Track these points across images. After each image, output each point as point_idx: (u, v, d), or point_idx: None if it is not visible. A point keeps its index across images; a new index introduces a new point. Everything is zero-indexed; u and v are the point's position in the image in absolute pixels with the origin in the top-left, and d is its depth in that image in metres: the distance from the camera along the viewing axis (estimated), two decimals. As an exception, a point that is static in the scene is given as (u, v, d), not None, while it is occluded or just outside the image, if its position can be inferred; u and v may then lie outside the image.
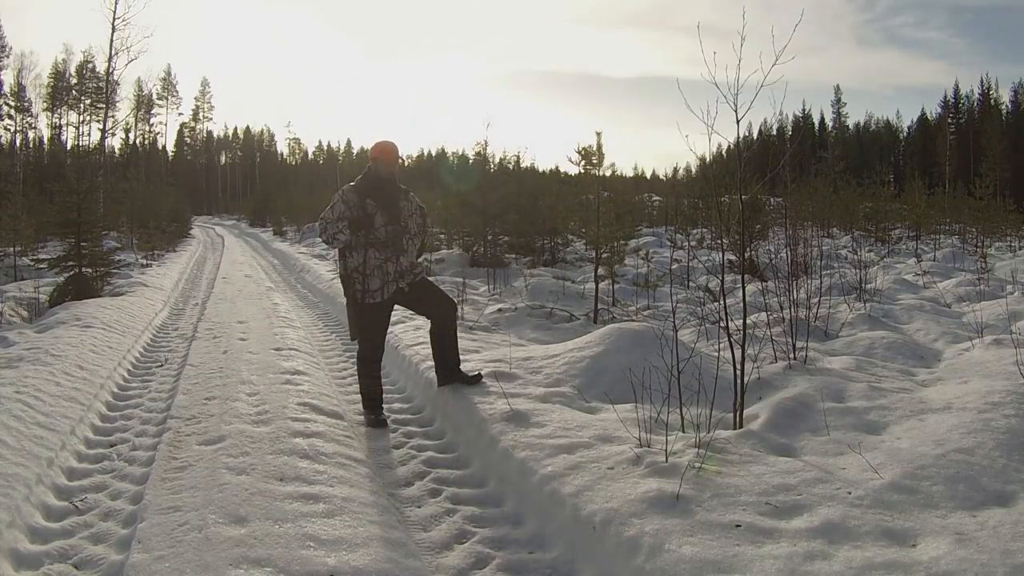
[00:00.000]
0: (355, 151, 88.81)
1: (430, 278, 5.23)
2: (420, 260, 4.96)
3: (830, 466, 3.26)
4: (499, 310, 8.35)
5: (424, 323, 7.28)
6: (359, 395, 5.43)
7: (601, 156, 9.43)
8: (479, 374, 4.94)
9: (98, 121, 44.70)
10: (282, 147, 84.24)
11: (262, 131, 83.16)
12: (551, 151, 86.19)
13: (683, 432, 3.73)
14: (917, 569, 2.37)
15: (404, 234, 4.78)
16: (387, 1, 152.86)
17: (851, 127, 70.27)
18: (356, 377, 6.04)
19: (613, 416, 4.05)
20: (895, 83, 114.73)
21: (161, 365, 6.42)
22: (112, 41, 23.72)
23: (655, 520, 2.79)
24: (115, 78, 25.94)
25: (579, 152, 9.52)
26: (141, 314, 8.69)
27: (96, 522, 3.23)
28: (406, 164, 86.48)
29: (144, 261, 15.38)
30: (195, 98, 74.73)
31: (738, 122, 3.91)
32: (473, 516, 3.40)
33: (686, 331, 6.57)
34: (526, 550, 3.07)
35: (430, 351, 5.08)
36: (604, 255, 9.60)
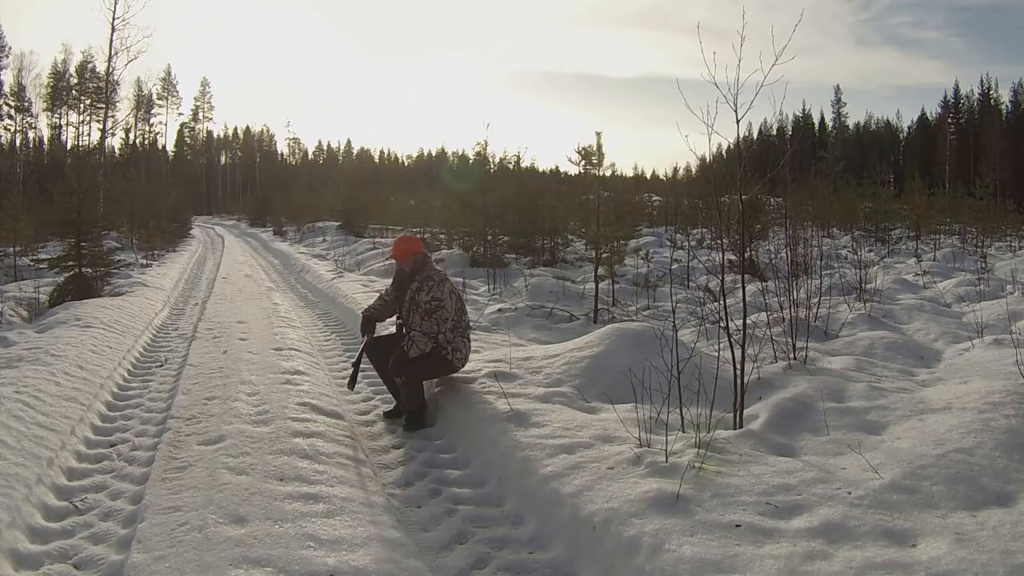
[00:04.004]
0: (355, 151, 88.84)
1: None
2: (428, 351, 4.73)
3: (830, 466, 3.26)
4: (499, 310, 8.35)
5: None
6: (359, 395, 5.47)
7: (601, 156, 9.45)
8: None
9: (98, 121, 44.68)
10: (282, 147, 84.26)
11: (262, 131, 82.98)
12: (551, 151, 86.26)
13: (683, 432, 3.73)
14: (917, 569, 2.37)
15: (409, 328, 4.74)
16: (387, 1, 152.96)
17: (851, 127, 70.20)
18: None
19: (613, 416, 4.05)
20: (895, 83, 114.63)
21: (161, 365, 6.42)
22: (112, 41, 23.64)
23: (655, 520, 2.79)
24: (115, 78, 25.87)
25: (579, 152, 9.54)
26: (141, 314, 8.69)
27: (96, 522, 3.23)
28: (406, 165, 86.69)
29: (144, 261, 15.37)
30: (195, 98, 74.59)
31: (738, 122, 3.91)
32: (473, 516, 3.40)
33: (686, 331, 6.57)
34: (526, 550, 3.07)
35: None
36: (604, 255, 9.60)
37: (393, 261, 5.00)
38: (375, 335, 5.11)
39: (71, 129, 53.11)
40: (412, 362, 4.65)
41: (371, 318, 5.13)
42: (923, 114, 65.90)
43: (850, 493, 2.92)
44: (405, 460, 4.14)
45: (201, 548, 2.78)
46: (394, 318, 5.15)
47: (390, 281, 5.31)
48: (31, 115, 49.47)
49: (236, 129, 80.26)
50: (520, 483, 3.53)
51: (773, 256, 8.13)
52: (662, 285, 10.23)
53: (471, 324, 7.52)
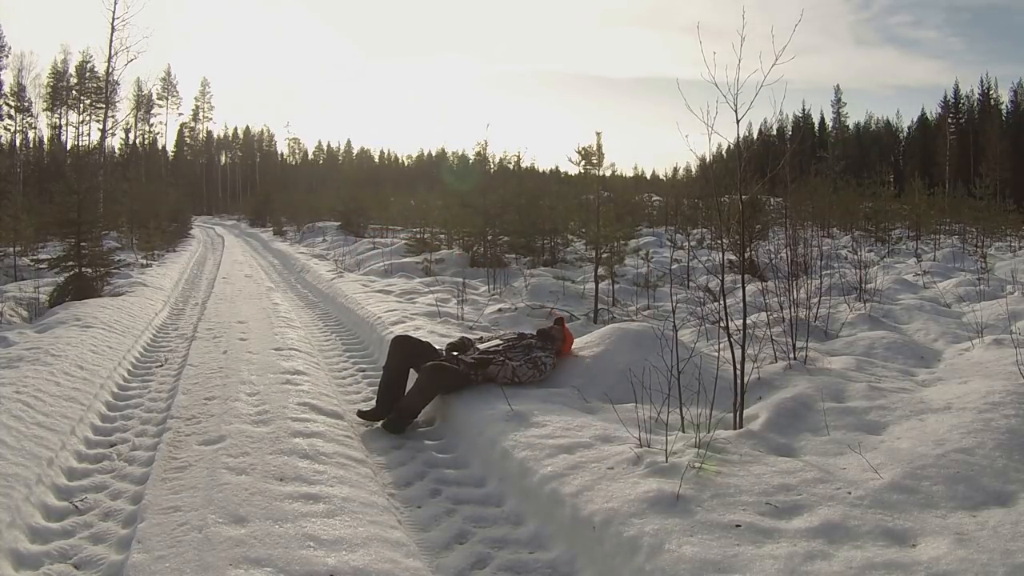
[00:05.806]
0: (355, 151, 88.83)
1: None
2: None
3: (830, 466, 3.26)
4: (499, 310, 8.35)
5: (424, 322, 7.31)
6: (358, 395, 5.46)
7: (601, 156, 9.41)
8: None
9: (98, 121, 44.71)
10: (282, 147, 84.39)
11: (262, 131, 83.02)
12: (551, 151, 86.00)
13: (683, 432, 3.73)
14: (917, 569, 2.37)
15: (506, 358, 5.05)
16: (387, 1, 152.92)
17: (851, 127, 70.15)
18: (355, 377, 6.10)
19: (613, 416, 4.05)
20: (894, 83, 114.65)
21: (161, 365, 6.42)
22: (112, 41, 23.55)
23: (655, 520, 2.79)
24: (115, 78, 25.77)
25: (579, 152, 9.50)
26: (141, 314, 8.69)
27: (96, 522, 3.23)
28: (406, 165, 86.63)
29: (144, 261, 15.35)
30: (195, 98, 74.69)
31: (738, 122, 3.91)
32: (473, 516, 3.40)
33: (686, 331, 6.57)
34: (526, 550, 3.07)
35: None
36: (604, 255, 9.59)
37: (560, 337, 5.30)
38: (411, 337, 5.31)
39: (71, 129, 53.20)
40: (456, 374, 4.79)
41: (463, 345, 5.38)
42: (923, 114, 65.91)
43: (850, 493, 2.92)
44: (405, 460, 4.14)
45: (201, 548, 2.78)
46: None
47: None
48: (31, 115, 49.52)
49: (236, 129, 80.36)
50: (520, 483, 3.54)
51: (773, 256, 8.13)
52: (662, 285, 10.21)
53: (471, 325, 7.55)
